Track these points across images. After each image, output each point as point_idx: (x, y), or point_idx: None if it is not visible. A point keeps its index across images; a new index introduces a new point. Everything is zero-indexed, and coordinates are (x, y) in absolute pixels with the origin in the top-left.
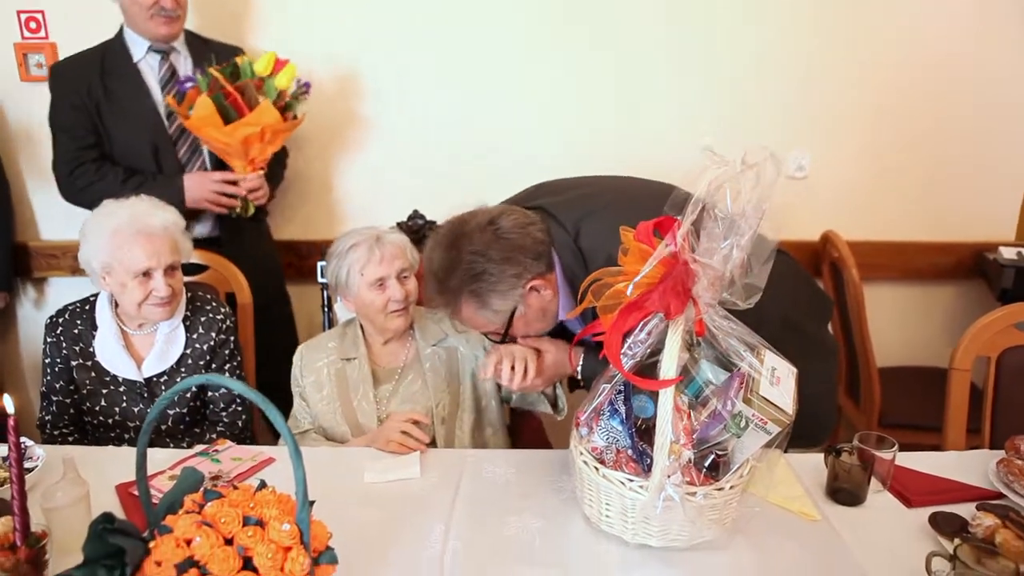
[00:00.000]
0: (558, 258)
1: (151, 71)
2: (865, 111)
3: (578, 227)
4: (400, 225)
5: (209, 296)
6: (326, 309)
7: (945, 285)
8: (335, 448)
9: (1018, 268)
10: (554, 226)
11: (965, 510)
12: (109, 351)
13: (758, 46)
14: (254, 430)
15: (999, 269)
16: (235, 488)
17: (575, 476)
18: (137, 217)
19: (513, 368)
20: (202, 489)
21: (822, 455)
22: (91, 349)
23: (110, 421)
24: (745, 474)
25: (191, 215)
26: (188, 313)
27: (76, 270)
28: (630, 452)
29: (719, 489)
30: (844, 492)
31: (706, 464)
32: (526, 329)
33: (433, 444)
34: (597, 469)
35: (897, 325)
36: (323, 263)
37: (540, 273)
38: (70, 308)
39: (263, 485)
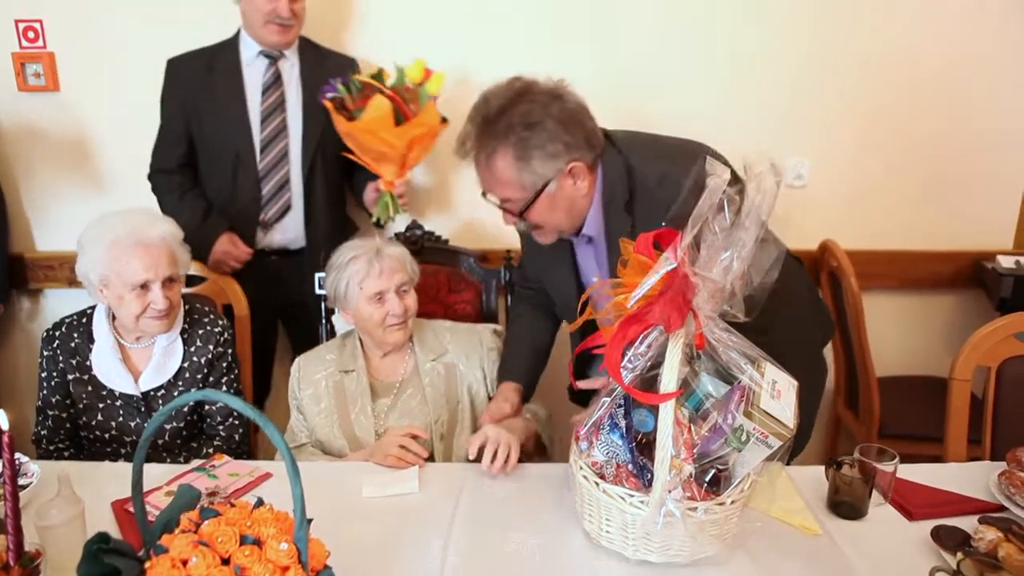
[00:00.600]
0: (602, 172)
1: (256, 75)
2: (863, 120)
3: (630, 149)
4: (399, 236)
5: (207, 308)
6: (324, 320)
7: (944, 294)
8: (333, 462)
9: (1016, 277)
10: (607, 145)
11: (967, 523)
12: (106, 365)
13: (756, 54)
14: (252, 443)
15: (997, 278)
16: (232, 506)
17: (575, 491)
18: (135, 229)
19: (496, 456)
20: (199, 506)
21: (823, 467)
22: (88, 363)
23: (106, 436)
24: (746, 488)
25: (275, 219)
26: (186, 325)
27: (73, 282)
28: (630, 467)
29: (720, 504)
30: (845, 505)
31: (707, 479)
32: (544, 216)
33: (431, 459)
34: (597, 484)
35: (896, 334)
36: (322, 274)
37: (586, 161)
38: (67, 321)
39: (260, 503)
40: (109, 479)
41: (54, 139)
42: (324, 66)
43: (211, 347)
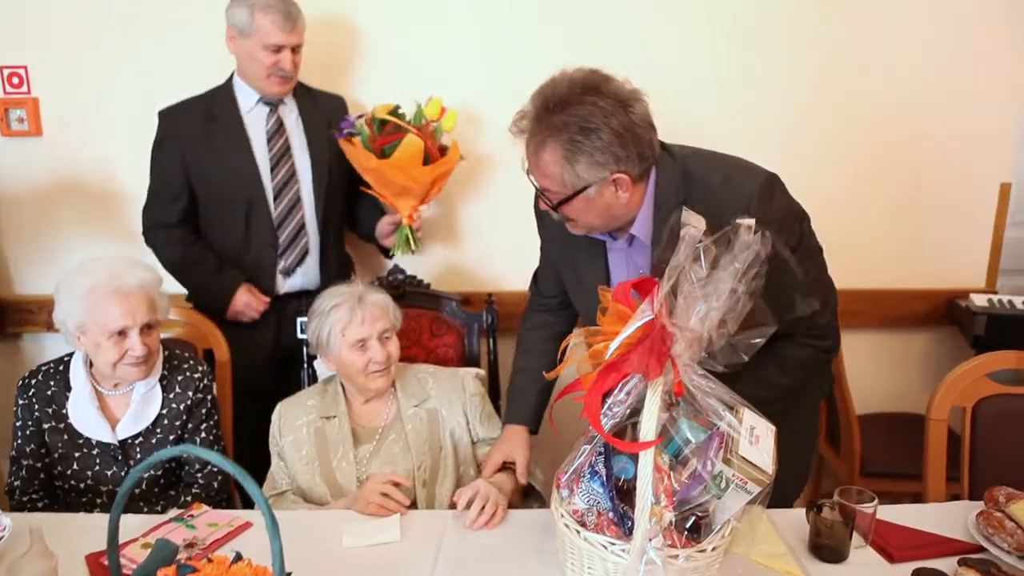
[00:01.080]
0: (655, 179)
1: (258, 122)
2: (838, 164)
3: (686, 157)
4: (380, 281)
5: (187, 354)
6: (306, 365)
7: (920, 332)
8: (314, 511)
9: (990, 315)
10: (662, 152)
11: (947, 564)
12: (82, 413)
13: (733, 96)
14: (231, 489)
15: (971, 316)
16: (210, 561)
17: (557, 538)
18: (113, 276)
19: (483, 510)
20: (175, 562)
21: (803, 511)
22: (64, 411)
23: (82, 486)
24: (727, 535)
25: (295, 265)
26: (165, 372)
27: (52, 326)
28: (611, 515)
29: (701, 551)
30: (827, 548)
31: (687, 526)
32: (579, 214)
33: (414, 506)
34: (578, 532)
35: (875, 372)
36: (303, 319)
37: (632, 174)
38: (43, 369)
39: (239, 557)
40: (83, 531)
41: (36, 183)
42: (318, 107)
43: (190, 393)
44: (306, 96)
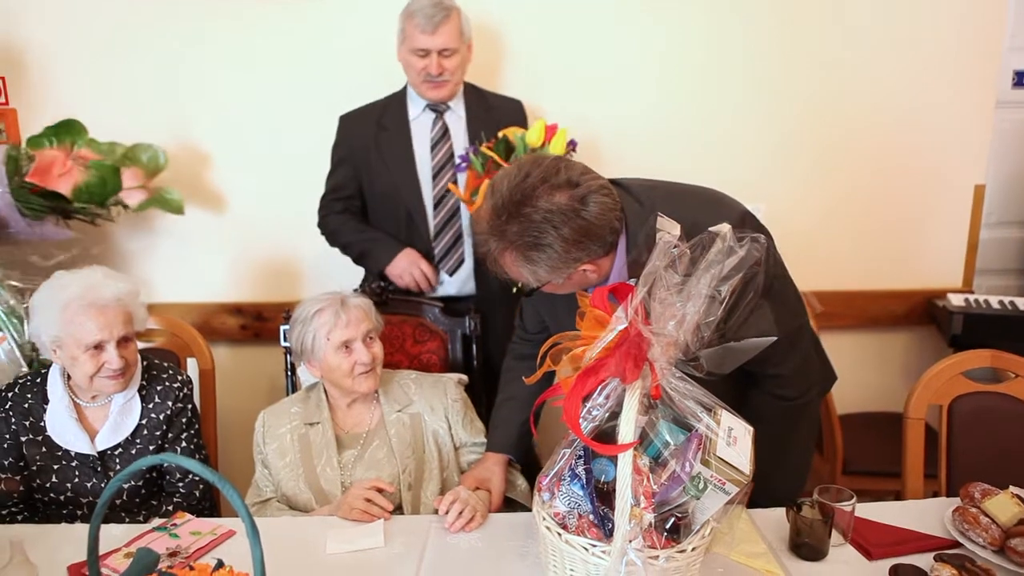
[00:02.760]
0: (625, 227)
1: (423, 129)
2: (814, 166)
3: (652, 201)
4: (363, 288)
5: (166, 364)
6: (289, 373)
7: (899, 332)
8: (297, 518)
9: (966, 314)
10: (630, 201)
11: (924, 560)
12: (60, 424)
13: (709, 100)
14: (216, 497)
15: (948, 316)
16: (191, 568)
17: (539, 541)
18: (89, 289)
19: (461, 515)
20: (157, 571)
21: (783, 510)
22: (42, 423)
23: (62, 498)
24: (707, 535)
25: (451, 272)
26: (144, 382)
27: None
28: (592, 517)
29: (681, 551)
30: (807, 547)
31: (667, 527)
32: (554, 290)
33: (400, 510)
34: (560, 535)
35: (855, 372)
36: (286, 327)
37: (596, 256)
38: (20, 381)
39: (220, 564)
40: (65, 542)
41: None
42: (490, 113)
43: (170, 403)
44: (477, 101)
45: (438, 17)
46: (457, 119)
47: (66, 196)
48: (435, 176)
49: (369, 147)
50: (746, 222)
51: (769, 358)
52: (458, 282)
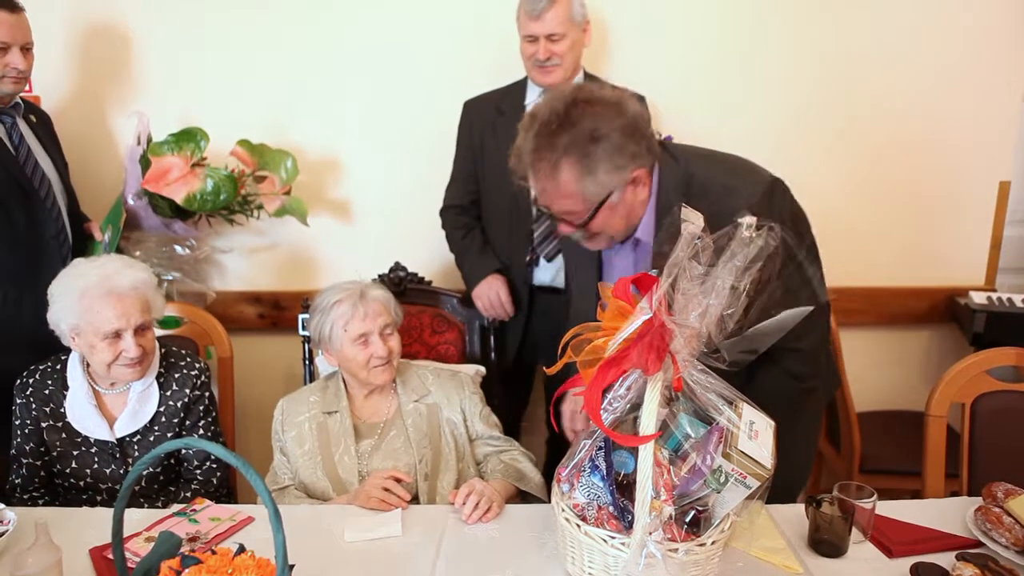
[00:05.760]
0: (657, 178)
1: None
2: (838, 162)
3: (688, 159)
4: (382, 277)
5: (184, 352)
6: (307, 362)
7: (920, 329)
8: (315, 506)
9: (989, 312)
10: (665, 156)
11: (946, 559)
12: (80, 411)
13: (732, 95)
14: (233, 484)
15: (970, 314)
16: (213, 552)
17: (557, 533)
18: (106, 277)
19: (477, 506)
20: (179, 554)
21: (803, 506)
22: (62, 410)
23: (82, 483)
24: (726, 529)
25: (550, 257)
26: (162, 370)
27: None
28: (611, 509)
29: (701, 545)
30: (826, 543)
31: (687, 520)
32: (605, 225)
33: (416, 500)
34: (579, 526)
35: (875, 370)
36: (305, 316)
37: (647, 167)
38: (40, 368)
39: (242, 549)
40: (86, 526)
41: None
42: None
43: (187, 391)
44: None
45: (543, 2)
46: None
47: (177, 203)
48: None
49: (487, 132)
50: (775, 190)
51: (796, 328)
52: (552, 270)
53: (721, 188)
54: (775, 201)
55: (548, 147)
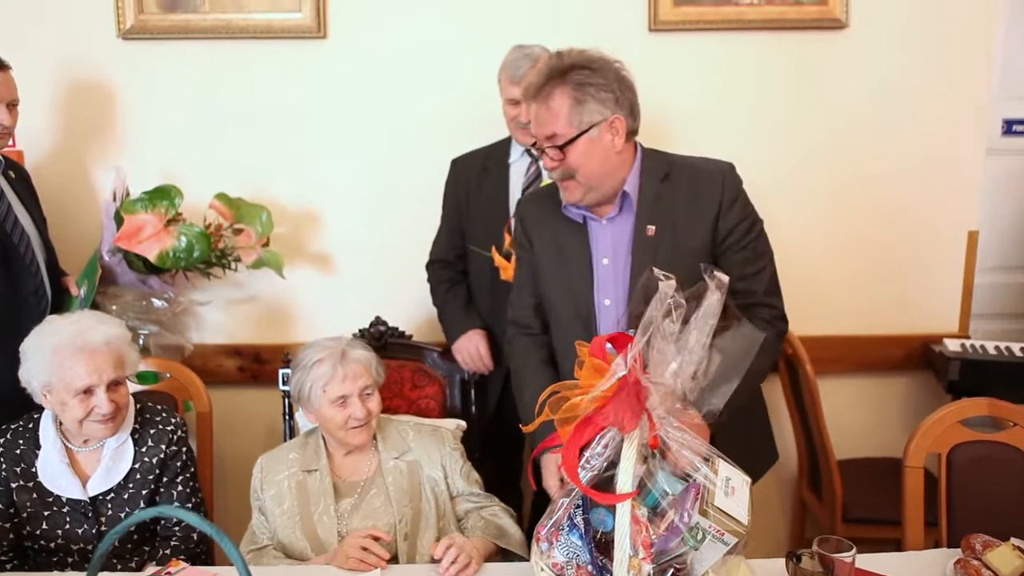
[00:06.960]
0: (640, 153)
1: (519, 173)
2: (811, 214)
3: (666, 156)
4: (363, 332)
5: (160, 407)
6: (287, 417)
7: (897, 376)
8: (293, 566)
9: (963, 360)
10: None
11: None
12: (52, 470)
13: (708, 144)
14: (211, 542)
15: (945, 361)
16: None
17: None
18: (79, 334)
19: (455, 561)
20: None
21: (783, 560)
22: (33, 469)
23: (52, 545)
24: None
25: None
26: (136, 426)
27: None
28: (590, 568)
29: None
30: None
31: None
32: (581, 159)
33: (396, 560)
34: None
35: (854, 417)
36: (285, 371)
37: (626, 120)
38: (12, 428)
39: None
40: None
41: None
42: None
43: (163, 447)
44: None
45: (524, 68)
46: None
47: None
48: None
49: (472, 188)
50: (734, 172)
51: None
52: None
53: (696, 161)
54: (736, 176)
55: (549, 77)
